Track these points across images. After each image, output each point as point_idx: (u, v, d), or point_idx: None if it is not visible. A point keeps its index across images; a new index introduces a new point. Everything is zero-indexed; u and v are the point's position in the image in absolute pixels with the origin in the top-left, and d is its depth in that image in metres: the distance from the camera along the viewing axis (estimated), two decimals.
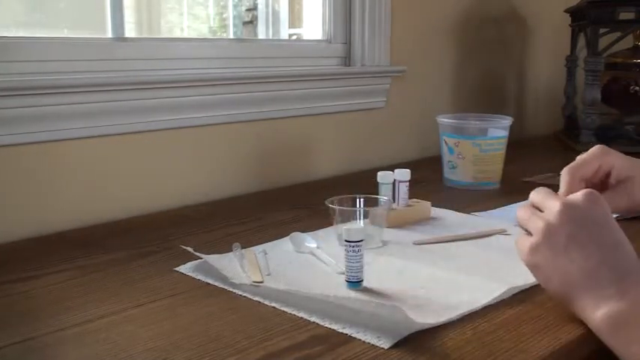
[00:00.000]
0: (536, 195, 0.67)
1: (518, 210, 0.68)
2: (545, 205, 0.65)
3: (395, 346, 0.60)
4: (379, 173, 1.01)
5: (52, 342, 0.62)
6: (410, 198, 1.03)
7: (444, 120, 1.28)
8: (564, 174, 0.75)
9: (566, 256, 0.61)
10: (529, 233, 0.66)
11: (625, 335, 0.55)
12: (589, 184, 0.77)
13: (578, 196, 0.64)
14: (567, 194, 0.71)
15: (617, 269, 0.59)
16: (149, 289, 0.75)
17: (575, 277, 0.60)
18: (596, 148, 0.79)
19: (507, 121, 1.26)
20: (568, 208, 0.63)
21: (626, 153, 0.83)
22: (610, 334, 0.57)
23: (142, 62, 1.12)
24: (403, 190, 1.02)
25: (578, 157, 0.78)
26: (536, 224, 0.64)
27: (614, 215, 0.66)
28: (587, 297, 0.59)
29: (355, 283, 0.74)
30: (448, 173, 1.27)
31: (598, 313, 0.58)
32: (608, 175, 0.79)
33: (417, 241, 0.90)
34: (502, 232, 0.94)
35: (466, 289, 0.73)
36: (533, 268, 0.65)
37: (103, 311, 0.69)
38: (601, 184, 0.80)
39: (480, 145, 1.24)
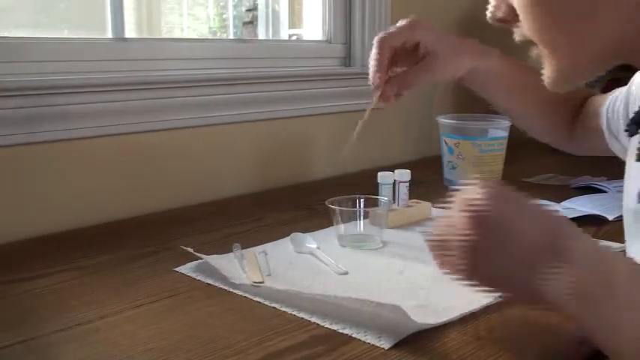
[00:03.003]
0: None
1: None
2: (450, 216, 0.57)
3: (395, 346, 0.60)
4: (379, 174, 1.01)
5: (53, 342, 0.62)
6: (410, 198, 1.03)
7: (444, 120, 1.28)
8: (375, 43, 0.82)
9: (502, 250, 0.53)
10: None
11: (588, 303, 0.49)
12: (399, 53, 0.83)
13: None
14: (379, 64, 0.81)
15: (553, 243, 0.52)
16: (149, 289, 0.75)
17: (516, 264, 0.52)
18: (405, 21, 0.85)
19: (507, 122, 1.26)
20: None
21: None
22: (572, 303, 0.49)
23: (141, 62, 1.12)
24: (403, 190, 1.02)
25: (391, 29, 0.84)
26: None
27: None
28: (538, 274, 0.51)
29: None
30: (448, 173, 1.27)
31: (555, 282, 0.50)
32: (416, 47, 0.84)
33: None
34: None
35: (466, 289, 0.73)
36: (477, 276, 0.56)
37: (104, 311, 0.69)
38: (409, 54, 0.85)
39: (480, 145, 1.24)
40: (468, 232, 0.54)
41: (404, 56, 0.84)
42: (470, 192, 0.55)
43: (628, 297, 0.48)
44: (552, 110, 0.93)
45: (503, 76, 0.90)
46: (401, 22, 0.85)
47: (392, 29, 0.84)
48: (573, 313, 0.50)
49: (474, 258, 0.54)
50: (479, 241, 0.53)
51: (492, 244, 0.53)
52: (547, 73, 0.60)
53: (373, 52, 0.83)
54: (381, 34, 0.83)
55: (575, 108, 0.92)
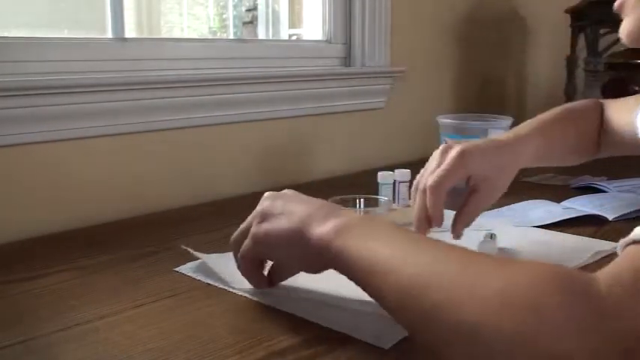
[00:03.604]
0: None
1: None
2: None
3: (395, 346, 0.60)
4: (379, 173, 1.01)
5: (52, 342, 0.62)
6: (410, 198, 1.03)
7: (444, 120, 1.28)
8: (429, 190, 0.78)
9: (283, 215, 0.67)
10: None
11: (348, 234, 0.60)
12: None
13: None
14: (438, 212, 0.77)
15: (327, 209, 0.65)
16: (149, 289, 0.75)
17: (295, 220, 0.65)
18: (453, 156, 0.80)
19: (507, 121, 1.26)
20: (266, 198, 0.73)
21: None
22: (336, 236, 0.61)
23: (142, 62, 1.12)
24: (403, 190, 1.02)
25: (438, 172, 0.79)
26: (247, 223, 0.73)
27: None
28: (311, 226, 0.63)
29: None
30: None
31: (324, 227, 0.62)
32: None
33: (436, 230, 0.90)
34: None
35: None
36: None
37: (104, 311, 0.69)
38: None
39: None
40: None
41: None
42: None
43: (371, 229, 0.62)
44: (581, 138, 0.99)
45: (544, 154, 0.94)
46: (450, 157, 0.80)
47: (443, 167, 0.79)
48: (334, 245, 0.60)
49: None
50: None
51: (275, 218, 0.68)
52: (630, 26, 0.62)
53: (425, 199, 0.79)
54: (434, 180, 0.78)
55: (597, 125, 0.99)
